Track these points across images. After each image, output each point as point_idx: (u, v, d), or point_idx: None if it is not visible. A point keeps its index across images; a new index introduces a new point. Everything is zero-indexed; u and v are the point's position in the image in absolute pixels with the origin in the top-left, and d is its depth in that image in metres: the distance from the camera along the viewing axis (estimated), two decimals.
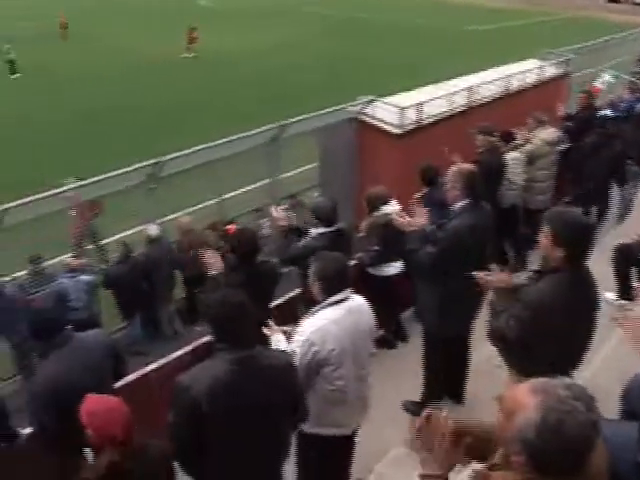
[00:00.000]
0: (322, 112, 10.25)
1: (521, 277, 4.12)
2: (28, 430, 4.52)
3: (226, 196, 10.49)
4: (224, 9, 44.94)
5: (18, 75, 27.93)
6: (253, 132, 9.84)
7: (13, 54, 28.11)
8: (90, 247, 10.31)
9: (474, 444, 2.38)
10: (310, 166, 12.10)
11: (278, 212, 6.21)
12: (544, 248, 3.80)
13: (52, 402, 3.99)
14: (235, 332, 3.38)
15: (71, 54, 31.59)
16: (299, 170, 12.43)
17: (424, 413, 2.41)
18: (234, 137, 9.72)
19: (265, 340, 4.12)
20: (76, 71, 28.00)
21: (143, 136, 18.56)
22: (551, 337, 3.69)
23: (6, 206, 7.55)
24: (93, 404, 3.12)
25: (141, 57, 30.33)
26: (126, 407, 3.12)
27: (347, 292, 4.08)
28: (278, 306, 5.91)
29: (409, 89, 11.28)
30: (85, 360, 4.11)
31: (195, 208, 10.52)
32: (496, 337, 3.96)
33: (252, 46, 31.87)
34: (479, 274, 4.06)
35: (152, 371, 5.41)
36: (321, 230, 5.89)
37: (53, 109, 22.48)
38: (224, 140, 9.74)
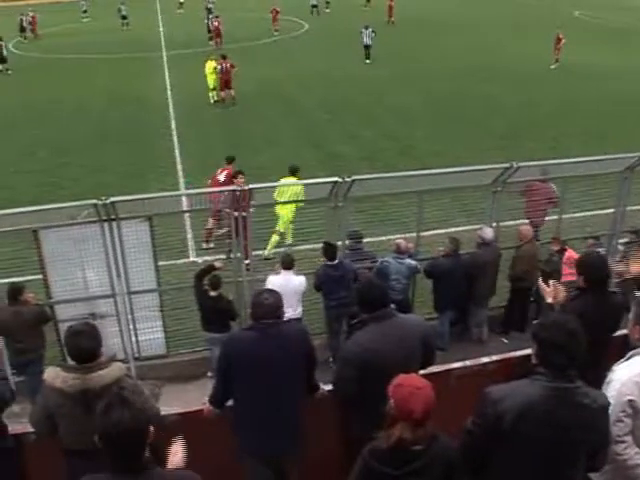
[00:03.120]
0: None
1: None
2: (328, 387, 4.85)
3: (565, 215, 10.09)
4: (597, 22, 42.63)
5: (369, 61, 30.00)
6: (609, 156, 9.40)
7: (369, 39, 30.07)
8: None
9: None
10: None
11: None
12: None
13: (358, 368, 4.24)
14: (560, 361, 3.28)
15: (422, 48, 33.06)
16: None
17: None
18: (589, 158, 9.31)
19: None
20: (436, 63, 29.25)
21: (498, 138, 18.68)
22: None
23: (355, 177, 8.28)
24: (403, 378, 3.26)
25: (503, 59, 30.37)
26: (432, 391, 3.19)
27: None
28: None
29: None
30: (400, 340, 4.27)
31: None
32: None
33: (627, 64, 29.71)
34: None
35: (455, 369, 5.44)
36: None
37: (401, 93, 23.95)
38: (577, 160, 9.40)
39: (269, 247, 10.79)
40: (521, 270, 9.26)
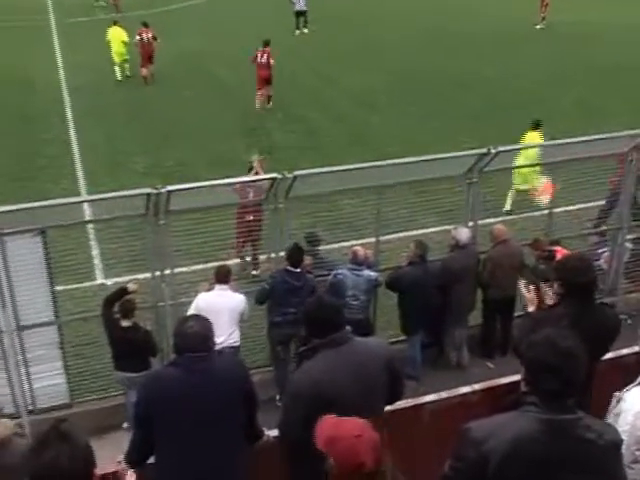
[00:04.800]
0: None
1: None
2: (274, 433, 4.83)
3: (558, 209, 10.29)
4: None
5: (307, 30, 30.47)
6: (610, 135, 9.64)
7: (304, 3, 30.36)
8: None
9: None
10: None
11: None
12: None
13: (309, 406, 4.18)
14: (553, 386, 3.27)
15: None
16: None
17: None
18: (585, 138, 9.50)
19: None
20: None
21: (471, 115, 18.98)
22: None
23: (298, 172, 8.32)
24: (334, 427, 3.18)
25: (475, 21, 30.89)
26: (374, 432, 3.15)
27: None
28: (612, 360, 5.63)
29: None
30: (359, 369, 4.28)
31: (517, 217, 10.40)
32: None
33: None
34: None
35: (429, 403, 5.50)
36: None
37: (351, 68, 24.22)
38: (571, 140, 9.54)
39: (509, 201, 12.19)
40: (489, 275, 9.38)
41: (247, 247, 10.57)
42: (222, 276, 8.41)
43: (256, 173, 10.94)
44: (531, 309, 5.16)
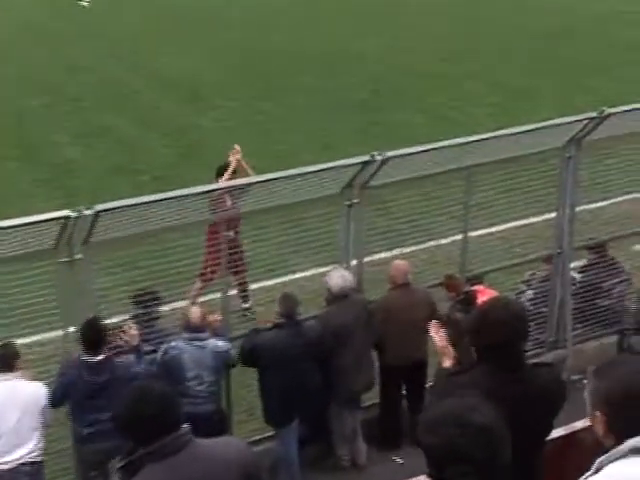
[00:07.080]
0: None
1: None
2: None
3: (475, 233, 10.54)
4: None
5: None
6: (539, 124, 9.98)
7: None
8: None
9: None
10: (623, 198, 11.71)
11: None
12: None
13: None
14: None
15: None
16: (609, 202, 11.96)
17: None
18: (506, 131, 9.80)
19: None
20: None
21: (347, 109, 19.34)
22: None
23: (101, 207, 8.27)
24: None
25: None
26: None
27: None
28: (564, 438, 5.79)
29: None
30: None
31: (420, 247, 10.59)
32: None
33: None
34: None
35: None
36: None
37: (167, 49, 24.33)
38: (488, 135, 9.80)
39: None
40: (382, 332, 9.48)
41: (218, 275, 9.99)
42: (6, 360, 8.15)
43: (234, 172, 11.15)
44: (447, 364, 5.23)
